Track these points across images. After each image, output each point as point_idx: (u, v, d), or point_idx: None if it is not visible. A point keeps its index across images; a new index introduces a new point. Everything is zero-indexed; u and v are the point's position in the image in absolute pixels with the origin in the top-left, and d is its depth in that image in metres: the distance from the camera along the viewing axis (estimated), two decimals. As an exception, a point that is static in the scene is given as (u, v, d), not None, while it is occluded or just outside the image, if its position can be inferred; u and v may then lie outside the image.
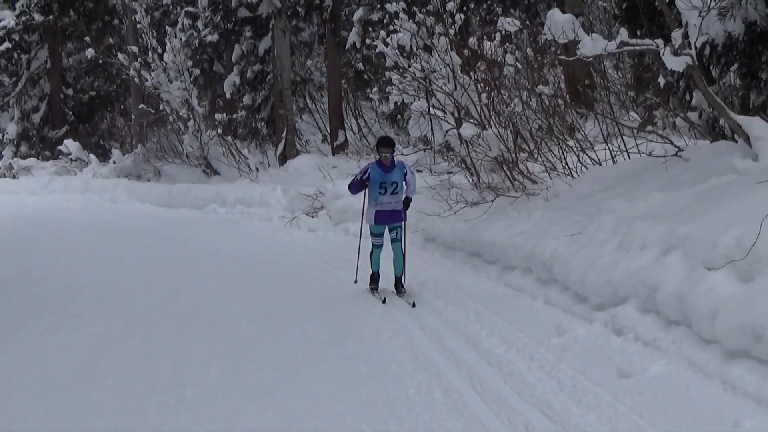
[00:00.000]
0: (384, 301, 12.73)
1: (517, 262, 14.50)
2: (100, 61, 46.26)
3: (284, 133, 33.66)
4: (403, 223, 13.88)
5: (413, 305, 12.53)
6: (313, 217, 24.92)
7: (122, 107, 46.88)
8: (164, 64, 35.26)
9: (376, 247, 13.27)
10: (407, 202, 13.69)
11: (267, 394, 9.54)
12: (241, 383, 10.00)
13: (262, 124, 35.86)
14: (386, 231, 13.58)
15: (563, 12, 13.58)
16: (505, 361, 9.88)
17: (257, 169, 33.42)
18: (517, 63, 19.20)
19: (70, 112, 48.05)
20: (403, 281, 13.57)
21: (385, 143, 13.47)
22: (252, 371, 10.49)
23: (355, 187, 13.34)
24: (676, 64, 12.52)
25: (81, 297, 15.86)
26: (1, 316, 14.69)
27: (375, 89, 29.94)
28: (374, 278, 13.55)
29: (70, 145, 42.49)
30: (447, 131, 19.93)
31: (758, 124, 12.55)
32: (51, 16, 45.14)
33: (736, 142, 12.96)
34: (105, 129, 48.17)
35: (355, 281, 13.98)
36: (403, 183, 13.47)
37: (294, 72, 35.09)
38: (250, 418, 8.74)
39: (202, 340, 12.15)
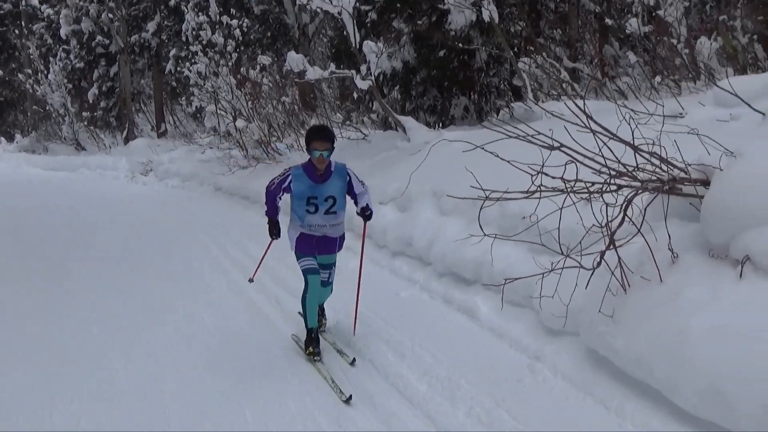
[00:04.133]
0: (349, 399, 5.20)
1: (271, 202, 14.33)
2: (7, 78, 43.72)
3: (127, 125, 32.63)
4: (338, 254, 6.63)
5: (353, 363, 5.91)
6: (145, 175, 24.15)
7: (22, 108, 44.04)
8: (49, 80, 34.01)
9: (309, 272, 6.21)
10: (365, 212, 6.42)
11: (130, 266, 9.16)
12: (102, 275, 9.55)
13: (113, 119, 34.56)
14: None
15: (297, 52, 13.51)
16: (298, 286, 9.63)
17: (110, 147, 32.19)
18: (269, 83, 19.07)
19: (-13, 111, 45.18)
20: (324, 311, 6.79)
21: (320, 135, 6.13)
22: (109, 263, 10.03)
23: (269, 198, 6.34)
24: (363, 85, 12.64)
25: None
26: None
27: (183, 98, 29.50)
28: (312, 338, 6.12)
29: (-14, 131, 40.65)
30: (228, 123, 19.64)
31: (410, 121, 12.87)
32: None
33: (398, 131, 13.21)
34: (11, 121, 45.32)
35: (250, 280, 7.26)
36: (345, 198, 6.37)
37: (132, 87, 33.99)
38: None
39: (83, 247, 11.72)
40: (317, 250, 6.17)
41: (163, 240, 12.35)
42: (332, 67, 13.49)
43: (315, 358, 5.90)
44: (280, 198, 6.23)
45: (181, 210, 15.87)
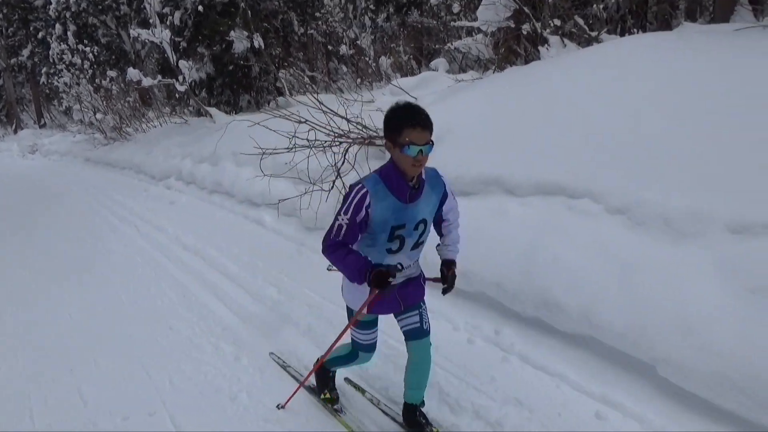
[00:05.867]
0: None
1: (128, 167, 12.34)
2: None
3: (15, 121, 27.46)
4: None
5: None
6: (33, 154, 20.40)
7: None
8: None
9: (363, 349, 2.10)
10: (450, 265, 1.98)
11: (38, 215, 7.69)
12: (17, 214, 7.99)
13: (4, 117, 28.78)
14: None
15: (134, 68, 11.95)
16: (144, 214, 8.39)
17: (3, 136, 26.79)
18: (117, 89, 16.57)
19: None
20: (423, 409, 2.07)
21: (420, 119, 1.73)
22: (17, 207, 8.35)
23: (338, 256, 1.81)
24: (181, 89, 11.50)
25: None
26: None
27: (56, 100, 25.14)
28: (328, 380, 2.41)
29: None
30: (90, 116, 17.03)
31: (214, 110, 11.91)
32: None
33: (207, 117, 12.18)
34: None
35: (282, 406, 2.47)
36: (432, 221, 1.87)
37: (16, 94, 28.35)
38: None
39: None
40: (401, 301, 2.21)
41: (50, 192, 10.49)
42: (159, 77, 12.18)
43: (334, 405, 2.55)
44: (353, 245, 2.04)
45: (61, 174, 13.66)
